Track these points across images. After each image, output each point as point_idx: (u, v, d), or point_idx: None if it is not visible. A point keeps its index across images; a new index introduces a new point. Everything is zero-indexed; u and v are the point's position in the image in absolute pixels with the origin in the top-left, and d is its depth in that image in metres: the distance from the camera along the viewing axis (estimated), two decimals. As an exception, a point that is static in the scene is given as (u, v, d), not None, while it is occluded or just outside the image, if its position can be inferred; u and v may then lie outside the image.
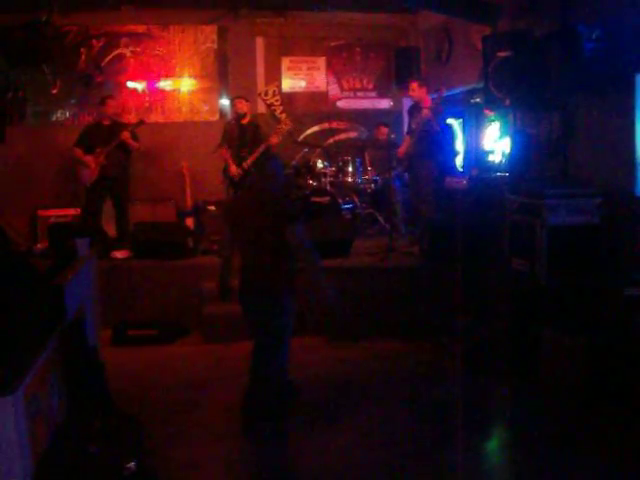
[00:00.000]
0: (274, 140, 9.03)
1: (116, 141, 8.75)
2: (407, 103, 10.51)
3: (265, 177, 5.29)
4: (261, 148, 8.96)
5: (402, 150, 8.69)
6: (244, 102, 9.22)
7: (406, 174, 9.43)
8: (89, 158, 8.77)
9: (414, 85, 8.44)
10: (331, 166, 9.69)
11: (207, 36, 10.62)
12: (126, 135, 8.75)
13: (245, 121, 9.18)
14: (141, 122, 9.11)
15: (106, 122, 8.99)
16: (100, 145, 8.78)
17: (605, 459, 4.57)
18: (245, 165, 8.93)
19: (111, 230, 9.08)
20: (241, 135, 9.07)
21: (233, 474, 4.71)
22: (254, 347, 5.32)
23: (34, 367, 3.52)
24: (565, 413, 5.28)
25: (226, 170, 9.06)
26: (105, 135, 8.85)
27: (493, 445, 5.27)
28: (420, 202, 8.67)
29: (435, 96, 8.52)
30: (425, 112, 8.17)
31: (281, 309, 5.14)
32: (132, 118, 9.86)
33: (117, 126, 8.97)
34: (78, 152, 8.86)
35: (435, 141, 8.35)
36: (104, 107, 9.04)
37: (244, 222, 5.21)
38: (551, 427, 5.10)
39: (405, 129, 9.16)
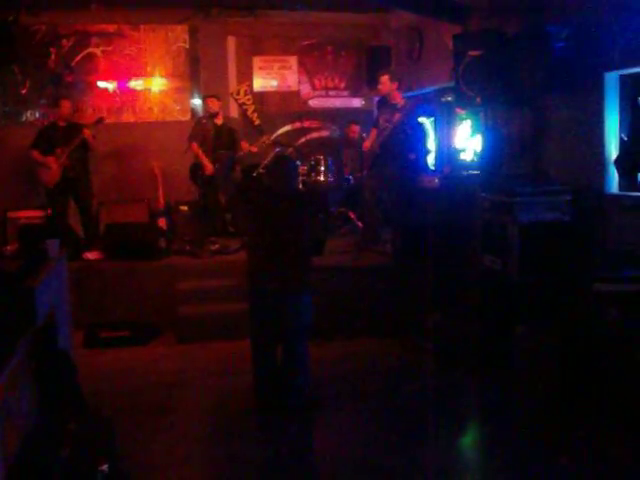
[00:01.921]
0: (253, 149, 9.05)
1: (78, 140, 8.66)
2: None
3: (279, 177, 5.46)
4: (238, 155, 8.97)
5: (367, 144, 8.53)
6: (215, 100, 9.19)
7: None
8: (50, 159, 8.67)
9: (384, 78, 8.08)
10: (303, 165, 9.67)
11: (178, 35, 10.57)
12: (87, 133, 8.68)
13: (219, 121, 9.15)
14: (100, 120, 9.04)
15: (61, 123, 8.88)
16: (59, 146, 8.68)
17: (577, 454, 4.62)
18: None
19: (79, 231, 9.02)
20: (217, 135, 9.04)
21: (207, 476, 4.70)
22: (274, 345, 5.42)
23: (4, 371, 3.48)
24: (538, 409, 5.33)
25: (195, 167, 8.99)
26: (62, 136, 8.74)
27: (468, 441, 5.30)
28: (383, 201, 8.58)
29: (410, 95, 8.46)
30: (398, 116, 8.01)
31: (303, 305, 5.30)
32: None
33: (74, 126, 8.86)
34: (36, 154, 8.75)
35: (403, 142, 8.28)
36: (59, 108, 8.94)
37: (263, 223, 5.36)
38: (525, 423, 5.15)
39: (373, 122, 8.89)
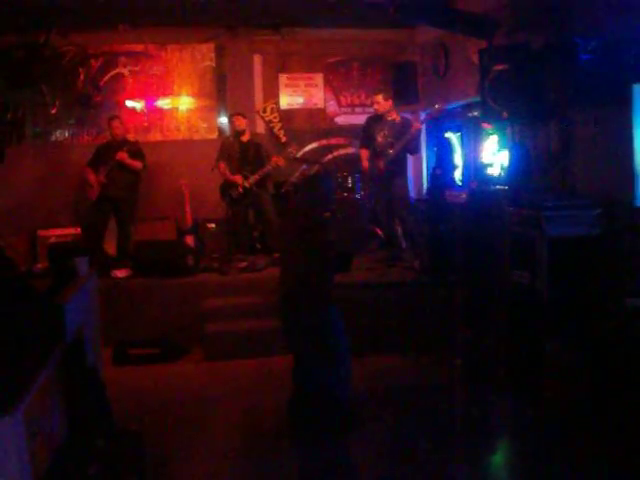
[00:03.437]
0: (280, 162, 9.06)
1: (112, 161, 8.83)
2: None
3: (315, 195, 5.44)
4: (266, 169, 8.98)
5: (366, 164, 8.53)
6: (242, 118, 9.25)
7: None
8: (92, 177, 8.90)
9: (379, 98, 8.37)
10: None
11: (205, 54, 10.66)
12: (121, 155, 8.83)
13: (245, 138, 9.20)
14: (136, 141, 9.24)
15: (114, 142, 9.13)
16: (103, 164, 8.90)
17: (608, 472, 4.54)
18: (247, 183, 8.93)
19: (112, 249, 9.09)
20: (242, 152, 9.09)
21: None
22: (299, 361, 5.43)
23: (34, 387, 3.50)
24: (570, 425, 5.25)
25: (224, 186, 9.05)
26: (108, 155, 8.97)
27: (498, 457, 5.24)
28: (396, 218, 8.62)
29: (429, 112, 8.46)
30: (416, 125, 8.12)
31: (322, 322, 5.23)
32: (130, 137, 9.89)
33: (122, 145, 9.04)
34: (87, 170, 9.00)
35: (407, 157, 8.47)
36: (110, 128, 9.23)
37: (289, 239, 5.42)
38: (556, 439, 5.08)
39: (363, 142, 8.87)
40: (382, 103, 8.31)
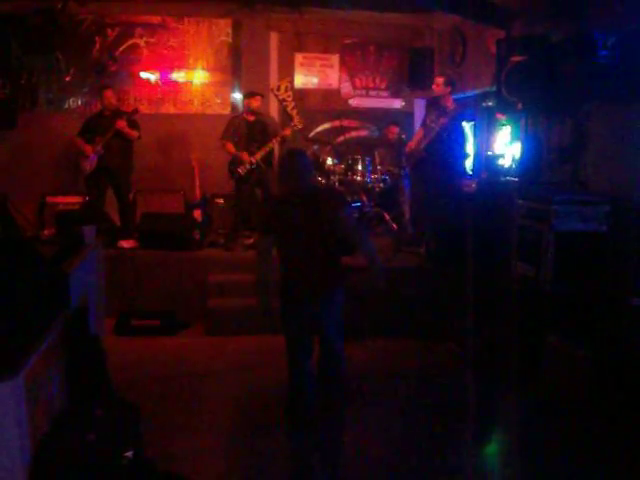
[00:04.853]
0: (287, 132, 9.00)
1: (111, 131, 8.73)
2: (419, 103, 10.50)
3: (290, 173, 5.04)
4: (272, 143, 8.93)
5: (412, 144, 8.51)
6: (260, 99, 9.15)
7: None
8: (88, 148, 8.76)
9: (439, 80, 8.17)
10: (340, 164, 9.66)
11: (222, 29, 10.61)
12: (121, 124, 8.72)
13: (253, 118, 9.12)
14: (135, 110, 9.08)
15: (107, 112, 8.97)
16: (99, 135, 8.77)
17: (601, 470, 4.56)
18: (253, 159, 8.90)
19: (116, 220, 9.10)
20: (250, 130, 9.03)
21: (230, 466, 4.72)
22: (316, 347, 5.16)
23: (36, 353, 3.53)
24: (564, 421, 5.26)
25: (231, 163, 8.99)
26: (105, 125, 8.81)
27: (490, 447, 5.27)
28: (422, 204, 8.56)
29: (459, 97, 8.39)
30: (443, 119, 8.00)
31: (336, 305, 5.05)
32: (144, 108, 9.86)
33: (117, 116, 8.91)
34: (79, 141, 8.86)
35: (448, 146, 8.25)
36: (101, 98, 9.05)
37: (288, 223, 4.97)
38: (550, 434, 5.09)
39: (419, 123, 8.81)
40: (441, 86, 8.10)
